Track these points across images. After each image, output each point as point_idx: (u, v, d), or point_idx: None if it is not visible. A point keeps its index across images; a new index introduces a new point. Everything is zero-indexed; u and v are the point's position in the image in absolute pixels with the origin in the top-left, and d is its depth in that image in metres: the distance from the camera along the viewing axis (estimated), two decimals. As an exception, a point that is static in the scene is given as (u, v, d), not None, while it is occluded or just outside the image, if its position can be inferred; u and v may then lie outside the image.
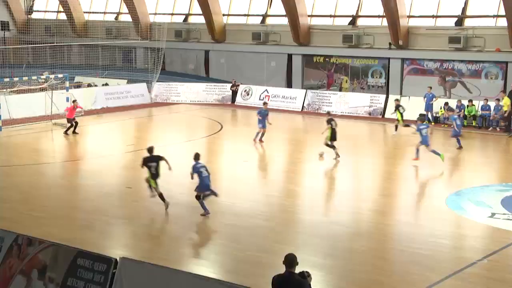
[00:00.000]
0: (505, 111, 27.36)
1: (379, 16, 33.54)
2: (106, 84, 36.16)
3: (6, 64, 42.38)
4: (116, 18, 43.38)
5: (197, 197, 15.36)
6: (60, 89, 30.69)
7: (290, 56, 36.14)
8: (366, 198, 17.69)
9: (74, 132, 25.60)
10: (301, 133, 28.78)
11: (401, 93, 31.59)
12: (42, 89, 29.98)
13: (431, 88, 29.59)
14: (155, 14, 41.52)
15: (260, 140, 24.29)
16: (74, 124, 25.75)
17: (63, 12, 44.47)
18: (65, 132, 25.67)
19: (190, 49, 39.79)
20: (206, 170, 15.26)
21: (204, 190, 15.30)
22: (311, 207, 16.68)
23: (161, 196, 15.74)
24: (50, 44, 38.20)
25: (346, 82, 34.66)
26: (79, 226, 14.78)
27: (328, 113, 23.04)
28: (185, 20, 40.53)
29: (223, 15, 38.53)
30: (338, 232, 14.59)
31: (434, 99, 29.04)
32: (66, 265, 9.64)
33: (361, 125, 29.49)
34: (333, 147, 21.63)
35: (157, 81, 35.64)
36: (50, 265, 9.75)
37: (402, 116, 26.67)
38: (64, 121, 27.01)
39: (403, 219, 15.97)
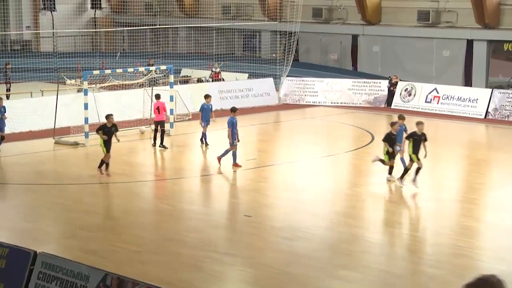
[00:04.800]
0: None
1: None
2: (221, 80, 37.00)
3: (96, 52, 44.51)
4: (236, -8, 44.47)
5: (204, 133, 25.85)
6: (162, 85, 31.72)
7: (470, 43, 35.50)
8: None
9: (161, 145, 25.51)
10: (484, 149, 28.05)
11: None
12: (140, 85, 31.15)
13: None
14: (287, -14, 42.15)
15: None
16: (160, 131, 25.42)
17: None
18: (153, 145, 25.91)
19: (332, 33, 39.96)
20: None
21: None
22: (496, 252, 16.21)
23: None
24: (151, 27, 39.70)
25: (551, 79, 33.56)
26: (183, 264, 15.16)
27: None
28: (327, -6, 40.86)
29: (378, -13, 38.50)
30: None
31: None
32: (166, 314, 9.89)
33: None
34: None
35: (287, 76, 36.06)
36: (145, 314, 10.02)
37: None
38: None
39: None
